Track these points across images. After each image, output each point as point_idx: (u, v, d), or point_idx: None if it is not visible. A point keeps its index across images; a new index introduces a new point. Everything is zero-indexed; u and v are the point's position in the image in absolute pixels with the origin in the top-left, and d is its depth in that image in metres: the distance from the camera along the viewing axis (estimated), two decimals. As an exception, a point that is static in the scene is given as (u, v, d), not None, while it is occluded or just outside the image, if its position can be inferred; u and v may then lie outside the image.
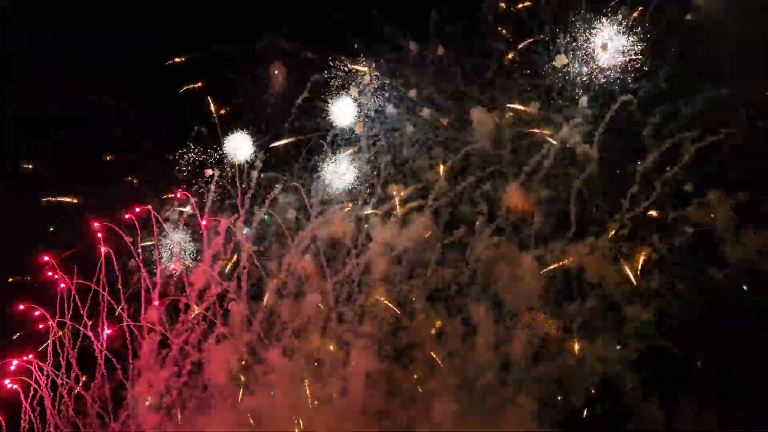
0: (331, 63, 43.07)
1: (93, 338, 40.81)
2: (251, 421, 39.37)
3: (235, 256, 42.54)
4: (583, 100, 40.68)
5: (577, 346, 36.76)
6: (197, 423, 39.84)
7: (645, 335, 33.46)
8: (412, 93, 42.31)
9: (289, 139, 43.59)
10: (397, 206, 41.25)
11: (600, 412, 30.68)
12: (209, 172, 43.71)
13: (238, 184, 42.86)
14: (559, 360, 36.99)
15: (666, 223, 37.07)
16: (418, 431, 37.96)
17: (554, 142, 39.83)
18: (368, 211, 41.55)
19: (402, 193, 41.58)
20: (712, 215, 33.94)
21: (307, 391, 39.25)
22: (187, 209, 43.25)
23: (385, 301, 39.99)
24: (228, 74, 44.80)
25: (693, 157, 36.99)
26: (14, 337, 42.59)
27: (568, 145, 39.54)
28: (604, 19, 39.88)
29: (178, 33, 44.66)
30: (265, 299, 40.95)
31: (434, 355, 39.01)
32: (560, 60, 41.12)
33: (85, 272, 43.38)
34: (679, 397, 28.56)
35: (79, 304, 42.20)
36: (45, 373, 41.60)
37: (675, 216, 37.21)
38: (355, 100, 42.57)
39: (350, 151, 42.84)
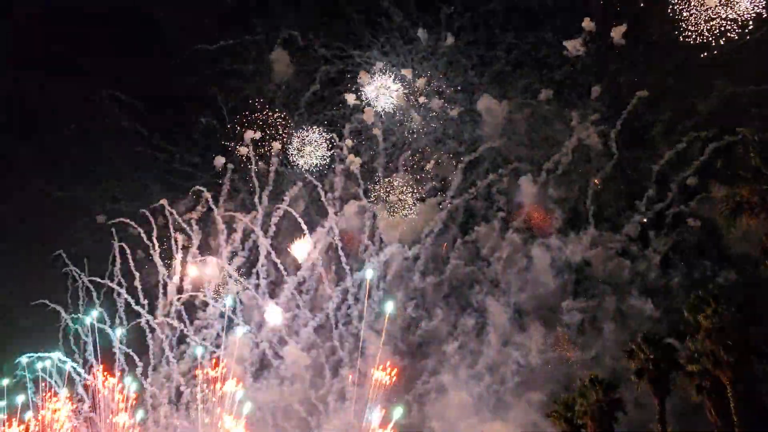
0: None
1: (111, 333, 43.46)
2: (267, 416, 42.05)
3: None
4: (595, 91, 43.05)
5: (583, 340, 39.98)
6: (214, 417, 42.60)
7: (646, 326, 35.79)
8: (421, 82, 44.88)
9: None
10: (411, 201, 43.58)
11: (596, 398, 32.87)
12: (221, 160, 45.87)
13: (255, 183, 45.06)
14: (566, 353, 40.11)
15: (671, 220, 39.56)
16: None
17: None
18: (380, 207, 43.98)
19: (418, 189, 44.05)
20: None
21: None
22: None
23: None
24: (236, 66, 47.53)
25: (710, 154, 38.90)
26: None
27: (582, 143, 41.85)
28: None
29: (184, 25, 47.37)
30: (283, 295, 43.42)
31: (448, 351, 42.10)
32: (572, 46, 43.39)
33: (96, 268, 45.89)
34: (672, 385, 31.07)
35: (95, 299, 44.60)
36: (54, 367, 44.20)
37: (679, 211, 39.91)
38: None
39: None
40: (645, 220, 40.41)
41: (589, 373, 33.23)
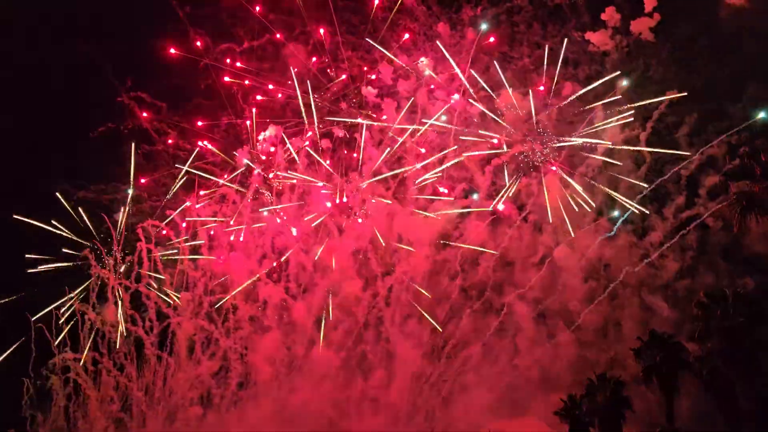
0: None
1: (144, 335, 46.83)
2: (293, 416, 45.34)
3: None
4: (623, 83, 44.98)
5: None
6: (241, 415, 46.34)
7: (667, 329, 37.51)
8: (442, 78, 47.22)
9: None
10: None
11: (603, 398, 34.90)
12: (245, 159, 48.67)
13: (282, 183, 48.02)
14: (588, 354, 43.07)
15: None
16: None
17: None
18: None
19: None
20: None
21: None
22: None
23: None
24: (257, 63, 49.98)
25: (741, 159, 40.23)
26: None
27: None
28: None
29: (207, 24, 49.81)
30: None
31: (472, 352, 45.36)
32: (599, 41, 45.15)
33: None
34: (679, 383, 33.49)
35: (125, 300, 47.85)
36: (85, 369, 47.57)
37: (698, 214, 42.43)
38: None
39: None
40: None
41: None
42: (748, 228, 32.87)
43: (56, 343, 47.54)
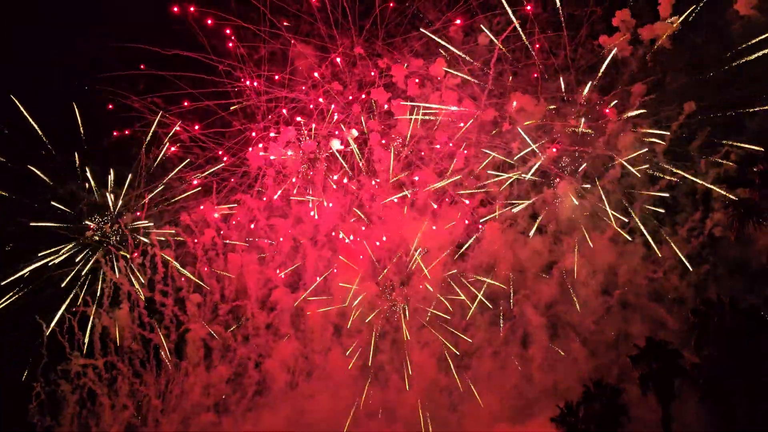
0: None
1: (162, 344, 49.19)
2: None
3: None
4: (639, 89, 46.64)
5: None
6: (255, 421, 48.87)
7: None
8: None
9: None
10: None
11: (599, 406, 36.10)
12: (258, 164, 50.68)
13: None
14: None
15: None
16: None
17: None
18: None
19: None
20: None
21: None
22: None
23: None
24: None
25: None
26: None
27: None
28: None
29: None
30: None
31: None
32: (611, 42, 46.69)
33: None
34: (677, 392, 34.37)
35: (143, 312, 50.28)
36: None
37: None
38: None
39: None
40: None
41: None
42: (748, 236, 34.56)
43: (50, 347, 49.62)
